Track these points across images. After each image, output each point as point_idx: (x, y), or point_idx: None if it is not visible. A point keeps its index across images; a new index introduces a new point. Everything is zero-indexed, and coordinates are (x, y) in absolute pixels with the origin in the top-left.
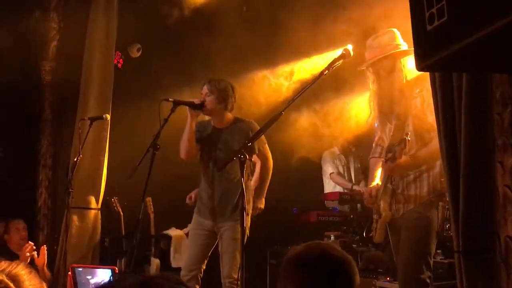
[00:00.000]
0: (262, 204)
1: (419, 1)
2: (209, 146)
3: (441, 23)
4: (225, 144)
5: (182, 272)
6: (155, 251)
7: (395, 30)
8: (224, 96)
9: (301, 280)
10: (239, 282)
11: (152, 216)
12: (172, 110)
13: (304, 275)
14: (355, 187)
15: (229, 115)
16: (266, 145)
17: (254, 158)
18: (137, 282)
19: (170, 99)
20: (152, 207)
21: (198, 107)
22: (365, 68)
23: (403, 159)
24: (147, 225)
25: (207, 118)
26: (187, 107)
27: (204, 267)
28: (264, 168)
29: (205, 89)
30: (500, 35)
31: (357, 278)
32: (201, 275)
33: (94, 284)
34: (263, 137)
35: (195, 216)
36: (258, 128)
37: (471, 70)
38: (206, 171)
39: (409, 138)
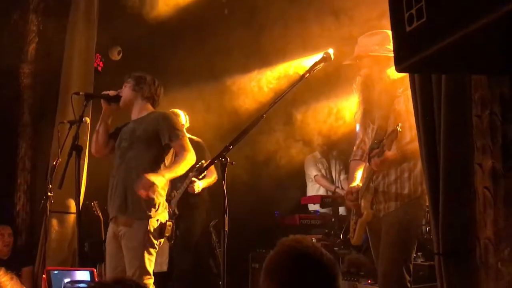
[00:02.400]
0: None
1: (398, 2)
2: (119, 139)
3: (420, 24)
4: (131, 133)
5: None
6: None
7: (388, 32)
8: (139, 83)
9: (282, 279)
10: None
11: None
12: (85, 105)
13: (284, 275)
14: (338, 190)
15: (149, 107)
16: (181, 133)
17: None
18: None
19: (81, 93)
20: None
21: (114, 100)
22: (349, 63)
23: (391, 153)
24: None
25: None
26: (102, 100)
27: None
28: (179, 157)
29: (125, 83)
30: (479, 35)
31: (339, 280)
32: None
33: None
34: (175, 124)
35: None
36: (170, 116)
37: (451, 71)
38: (114, 164)
39: (400, 129)
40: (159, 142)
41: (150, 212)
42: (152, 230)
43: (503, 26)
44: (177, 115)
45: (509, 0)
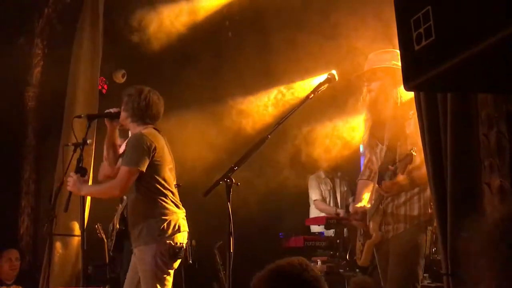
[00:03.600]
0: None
1: (406, 21)
2: None
3: (428, 43)
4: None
5: None
6: None
7: (397, 51)
8: (128, 102)
9: None
10: None
11: None
12: (89, 126)
13: None
14: (339, 211)
15: (136, 127)
16: (128, 160)
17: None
18: None
19: (82, 115)
20: None
21: (116, 117)
22: (359, 77)
23: (402, 177)
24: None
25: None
26: (105, 119)
27: None
28: (110, 182)
29: None
30: (488, 54)
31: None
32: None
33: None
34: (132, 148)
35: None
36: (135, 139)
37: (460, 89)
38: None
39: (415, 153)
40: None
41: (157, 235)
42: (160, 253)
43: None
44: (144, 138)
45: None
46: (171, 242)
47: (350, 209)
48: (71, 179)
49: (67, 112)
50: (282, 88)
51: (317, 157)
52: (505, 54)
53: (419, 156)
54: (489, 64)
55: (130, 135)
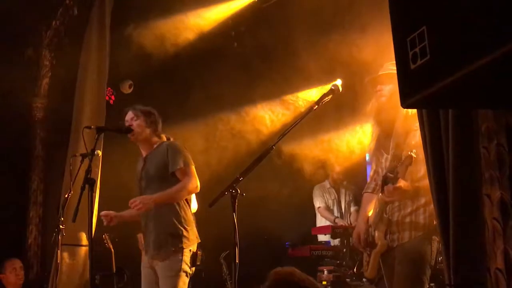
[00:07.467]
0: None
1: (403, 40)
2: (138, 177)
3: (424, 62)
4: (146, 172)
5: None
6: None
7: None
8: (151, 119)
9: None
10: None
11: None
12: (97, 138)
13: None
14: (337, 220)
15: (155, 140)
16: (183, 160)
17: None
18: None
19: (92, 126)
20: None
21: (127, 132)
22: (373, 80)
23: (405, 183)
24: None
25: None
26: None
27: None
28: (178, 183)
29: (130, 114)
30: (481, 73)
31: None
32: None
33: None
34: (179, 152)
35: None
36: (174, 144)
37: (456, 106)
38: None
39: (415, 156)
40: (169, 173)
41: (182, 244)
42: (185, 259)
43: (505, 64)
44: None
45: (510, 40)
46: (192, 250)
47: (352, 218)
48: (138, 202)
49: (75, 123)
50: (287, 97)
51: (323, 166)
52: (499, 73)
53: (423, 166)
54: (483, 82)
55: (147, 149)
